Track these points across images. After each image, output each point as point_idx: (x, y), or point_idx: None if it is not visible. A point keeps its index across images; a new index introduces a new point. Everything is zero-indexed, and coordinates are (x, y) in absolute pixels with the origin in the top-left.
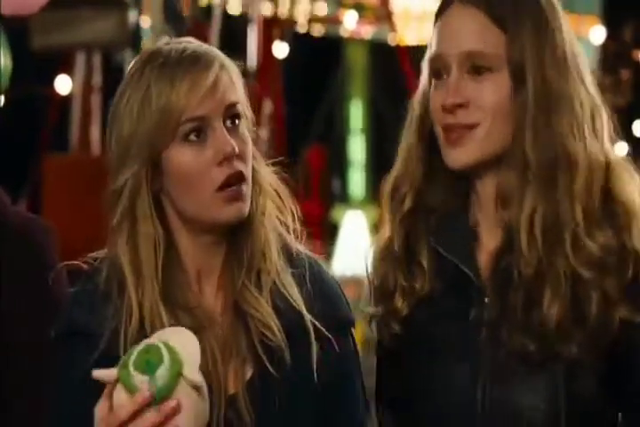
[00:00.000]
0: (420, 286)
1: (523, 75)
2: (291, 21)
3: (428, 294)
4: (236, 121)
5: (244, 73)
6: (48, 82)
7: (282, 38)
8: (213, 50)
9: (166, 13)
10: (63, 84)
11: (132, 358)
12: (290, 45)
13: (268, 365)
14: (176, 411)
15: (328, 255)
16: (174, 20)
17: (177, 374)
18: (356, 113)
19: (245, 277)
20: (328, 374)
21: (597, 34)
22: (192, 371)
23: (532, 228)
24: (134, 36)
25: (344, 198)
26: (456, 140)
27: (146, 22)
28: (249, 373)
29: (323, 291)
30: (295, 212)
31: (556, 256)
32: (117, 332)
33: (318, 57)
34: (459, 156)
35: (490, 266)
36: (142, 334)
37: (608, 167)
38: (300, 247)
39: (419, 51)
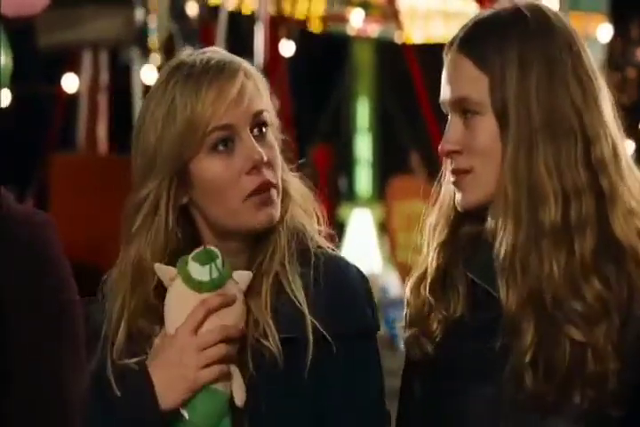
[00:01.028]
0: (453, 310)
1: (507, 117)
2: (297, 20)
3: (460, 319)
4: (263, 129)
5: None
6: (55, 80)
7: (288, 37)
8: (238, 59)
9: (172, 11)
10: (70, 83)
11: (191, 255)
12: (296, 44)
13: (250, 368)
14: (230, 302)
15: None
16: (180, 19)
17: (230, 269)
18: (363, 111)
19: (265, 282)
20: (329, 380)
21: (604, 32)
22: (239, 276)
23: (513, 268)
24: (141, 35)
25: (351, 197)
26: (457, 184)
27: (152, 20)
28: (244, 372)
29: (338, 296)
30: (321, 216)
31: (538, 309)
32: (106, 339)
33: (325, 55)
34: (461, 199)
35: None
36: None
37: (603, 197)
38: (322, 250)
39: (425, 49)
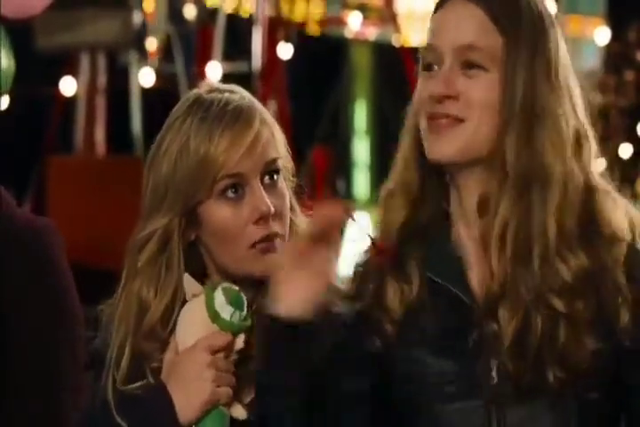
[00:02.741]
0: (408, 291)
1: (514, 81)
2: (295, 22)
3: (420, 319)
4: (275, 176)
5: (249, 74)
6: (53, 83)
7: (286, 39)
8: (255, 103)
9: (170, 14)
10: (68, 86)
11: (223, 284)
12: (294, 47)
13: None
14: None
15: None
16: (178, 22)
17: (248, 324)
18: (361, 114)
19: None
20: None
21: (602, 35)
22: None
23: (504, 239)
24: (139, 38)
25: (349, 199)
26: (441, 129)
27: (150, 23)
28: (249, 397)
29: None
30: None
31: (523, 277)
32: (109, 366)
33: (323, 58)
34: (441, 147)
35: (480, 291)
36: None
37: (591, 191)
38: None
39: None
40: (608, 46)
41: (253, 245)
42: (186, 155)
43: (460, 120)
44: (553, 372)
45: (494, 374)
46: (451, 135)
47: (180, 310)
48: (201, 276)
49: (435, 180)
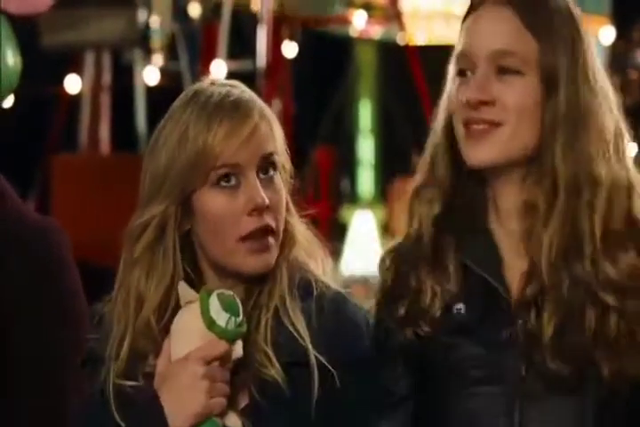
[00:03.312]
0: (448, 288)
1: (555, 84)
2: (300, 21)
3: (456, 307)
4: (271, 171)
5: (254, 72)
6: (57, 81)
7: (291, 38)
8: (255, 98)
9: (175, 13)
10: (72, 84)
11: (217, 291)
12: (299, 45)
13: (257, 396)
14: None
15: (337, 255)
16: (183, 20)
17: (243, 331)
18: (366, 113)
19: (263, 315)
20: (334, 409)
21: (606, 34)
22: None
23: (551, 246)
24: (143, 36)
25: (353, 198)
26: (478, 135)
27: (155, 22)
28: (243, 402)
29: (338, 328)
30: (325, 262)
31: (569, 277)
32: (109, 360)
33: (327, 57)
34: (479, 152)
35: (520, 284)
36: (133, 361)
37: (632, 189)
38: (324, 285)
39: (428, 50)
40: (613, 45)
41: (245, 239)
42: (184, 144)
43: (496, 124)
44: (602, 367)
45: (523, 365)
46: (488, 141)
47: (172, 316)
48: (194, 271)
49: (468, 178)
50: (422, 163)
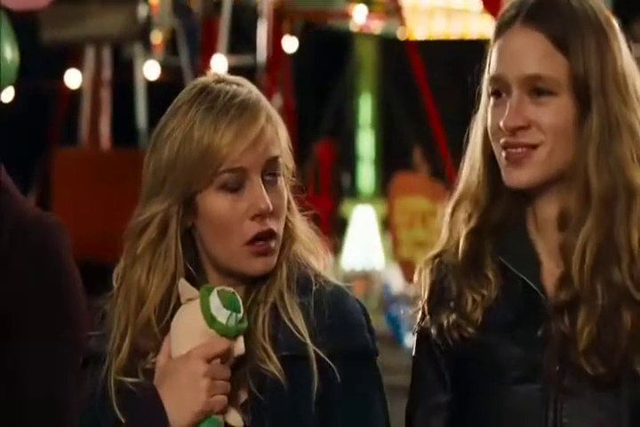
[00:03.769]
0: (488, 294)
1: (588, 99)
2: (300, 15)
3: (495, 309)
4: (275, 174)
5: (254, 67)
6: (57, 76)
7: (291, 33)
8: (261, 98)
9: (175, 7)
10: (73, 79)
11: (218, 288)
12: (299, 40)
13: (255, 391)
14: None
15: (337, 250)
16: (183, 15)
17: (244, 327)
18: (366, 108)
19: (261, 309)
20: (334, 405)
21: None
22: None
23: (584, 253)
24: (144, 31)
25: (353, 193)
26: (518, 160)
27: (155, 16)
28: (242, 397)
29: (337, 322)
30: (326, 258)
31: (608, 280)
32: (110, 356)
33: (327, 51)
34: (520, 176)
35: (555, 288)
36: (133, 358)
37: None
38: (323, 280)
39: (428, 45)
40: None
41: (248, 243)
42: (189, 143)
43: (533, 146)
44: (638, 367)
45: (558, 363)
46: (526, 164)
47: (173, 313)
48: (196, 268)
49: (506, 192)
50: (462, 176)
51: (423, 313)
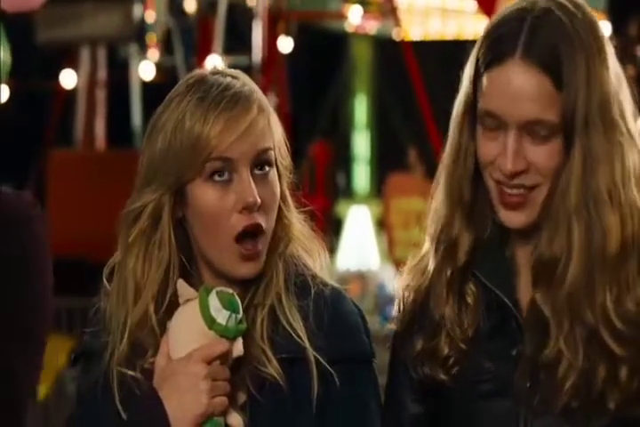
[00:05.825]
0: (467, 324)
1: (572, 138)
2: (295, 16)
3: (474, 332)
4: (266, 168)
5: (249, 68)
6: (53, 76)
7: (287, 33)
8: (255, 91)
9: (171, 7)
10: (68, 79)
11: (217, 288)
12: (294, 40)
13: (255, 393)
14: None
15: (332, 250)
16: (178, 15)
17: (244, 328)
18: (361, 108)
19: (259, 313)
20: (332, 407)
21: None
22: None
23: (565, 274)
24: (139, 31)
25: (349, 193)
26: (516, 203)
27: (150, 17)
28: (242, 399)
29: (336, 325)
30: (323, 258)
31: (582, 303)
32: (112, 348)
33: (323, 52)
34: (518, 217)
35: (530, 307)
36: (133, 353)
37: None
38: (320, 282)
39: (423, 46)
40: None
41: (237, 241)
42: (180, 133)
43: (531, 188)
44: (609, 400)
45: (528, 381)
46: (525, 207)
47: (169, 309)
48: (189, 262)
49: (490, 211)
50: (439, 194)
51: (399, 331)
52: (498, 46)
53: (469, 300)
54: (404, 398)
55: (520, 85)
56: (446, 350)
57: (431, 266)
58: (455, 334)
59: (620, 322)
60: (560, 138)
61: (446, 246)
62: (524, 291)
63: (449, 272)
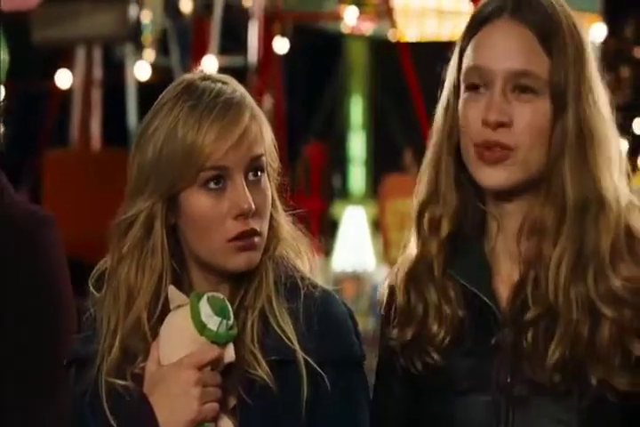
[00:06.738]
0: (450, 313)
1: (564, 104)
2: (291, 17)
3: (456, 323)
4: (259, 173)
5: (245, 68)
6: (48, 76)
7: (282, 34)
8: (246, 96)
9: (166, 8)
10: (63, 79)
11: (207, 294)
12: (290, 41)
13: (244, 396)
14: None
15: (328, 251)
16: (174, 15)
17: (235, 333)
18: (357, 109)
19: (249, 316)
20: (322, 410)
21: (598, 31)
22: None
23: (560, 264)
24: (134, 31)
25: (344, 194)
26: (495, 159)
27: (146, 17)
28: (232, 402)
29: (326, 327)
30: (312, 260)
31: (575, 289)
32: (101, 356)
33: (318, 53)
34: (497, 175)
35: (509, 297)
36: (123, 360)
37: (633, 207)
38: (310, 284)
39: (419, 47)
40: (604, 43)
41: (230, 241)
42: (172, 141)
43: (510, 149)
44: (591, 377)
45: (508, 373)
46: (505, 165)
47: (161, 315)
48: (180, 266)
49: (471, 194)
50: (423, 177)
51: (387, 323)
52: (482, 13)
53: (450, 292)
54: (393, 383)
55: (508, 38)
56: (436, 327)
57: (413, 249)
58: (442, 315)
59: (614, 283)
60: (546, 102)
61: (430, 223)
62: (501, 285)
63: (432, 257)
